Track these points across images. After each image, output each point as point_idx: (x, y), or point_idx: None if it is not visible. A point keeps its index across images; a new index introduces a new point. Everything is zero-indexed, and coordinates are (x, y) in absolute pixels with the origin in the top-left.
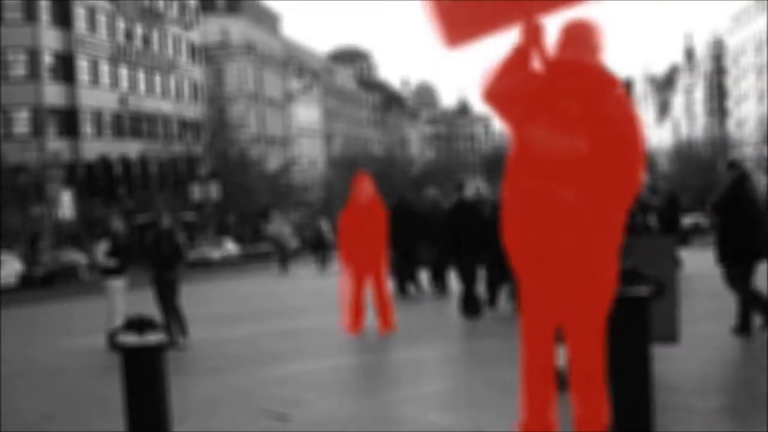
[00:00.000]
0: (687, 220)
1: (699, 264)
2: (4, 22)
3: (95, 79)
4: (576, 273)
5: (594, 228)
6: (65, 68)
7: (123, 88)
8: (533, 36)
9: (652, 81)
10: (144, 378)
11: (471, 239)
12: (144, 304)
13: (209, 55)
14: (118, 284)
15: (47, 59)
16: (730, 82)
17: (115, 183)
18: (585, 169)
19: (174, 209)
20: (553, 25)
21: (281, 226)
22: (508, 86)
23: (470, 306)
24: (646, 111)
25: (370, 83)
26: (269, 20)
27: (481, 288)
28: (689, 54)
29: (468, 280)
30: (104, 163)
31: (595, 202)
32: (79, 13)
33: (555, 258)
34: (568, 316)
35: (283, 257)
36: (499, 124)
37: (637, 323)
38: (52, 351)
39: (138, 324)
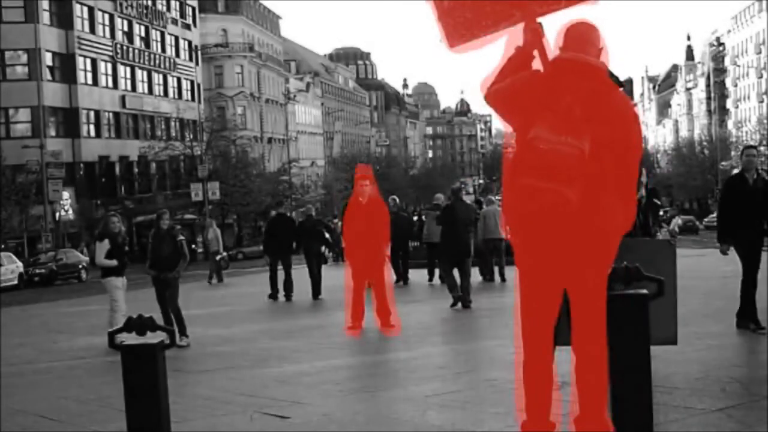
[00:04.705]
0: (679, 221)
1: (699, 264)
2: (4, 22)
3: (95, 79)
4: (579, 271)
5: (597, 226)
6: (65, 68)
7: (123, 88)
8: (534, 36)
9: (652, 81)
10: (144, 378)
11: (285, 242)
12: (144, 304)
13: (209, 55)
14: (117, 283)
15: (47, 59)
16: (730, 82)
17: (115, 183)
18: (588, 169)
19: (174, 209)
20: (554, 26)
21: (211, 231)
22: (510, 86)
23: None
24: (646, 111)
25: (370, 83)
26: (269, 20)
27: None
28: (689, 54)
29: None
30: (104, 163)
31: (598, 202)
32: (79, 13)
33: (558, 256)
34: (572, 313)
35: (212, 265)
36: (499, 124)
37: (637, 323)
38: (52, 351)
39: (138, 324)
